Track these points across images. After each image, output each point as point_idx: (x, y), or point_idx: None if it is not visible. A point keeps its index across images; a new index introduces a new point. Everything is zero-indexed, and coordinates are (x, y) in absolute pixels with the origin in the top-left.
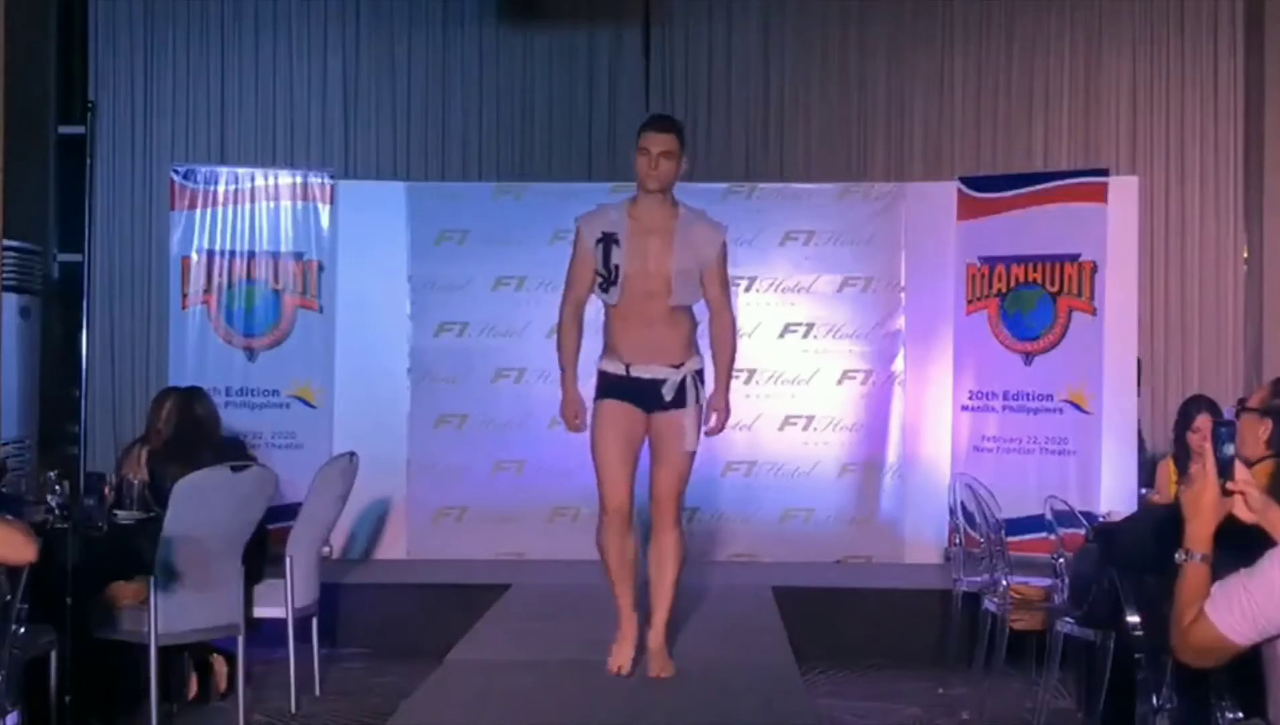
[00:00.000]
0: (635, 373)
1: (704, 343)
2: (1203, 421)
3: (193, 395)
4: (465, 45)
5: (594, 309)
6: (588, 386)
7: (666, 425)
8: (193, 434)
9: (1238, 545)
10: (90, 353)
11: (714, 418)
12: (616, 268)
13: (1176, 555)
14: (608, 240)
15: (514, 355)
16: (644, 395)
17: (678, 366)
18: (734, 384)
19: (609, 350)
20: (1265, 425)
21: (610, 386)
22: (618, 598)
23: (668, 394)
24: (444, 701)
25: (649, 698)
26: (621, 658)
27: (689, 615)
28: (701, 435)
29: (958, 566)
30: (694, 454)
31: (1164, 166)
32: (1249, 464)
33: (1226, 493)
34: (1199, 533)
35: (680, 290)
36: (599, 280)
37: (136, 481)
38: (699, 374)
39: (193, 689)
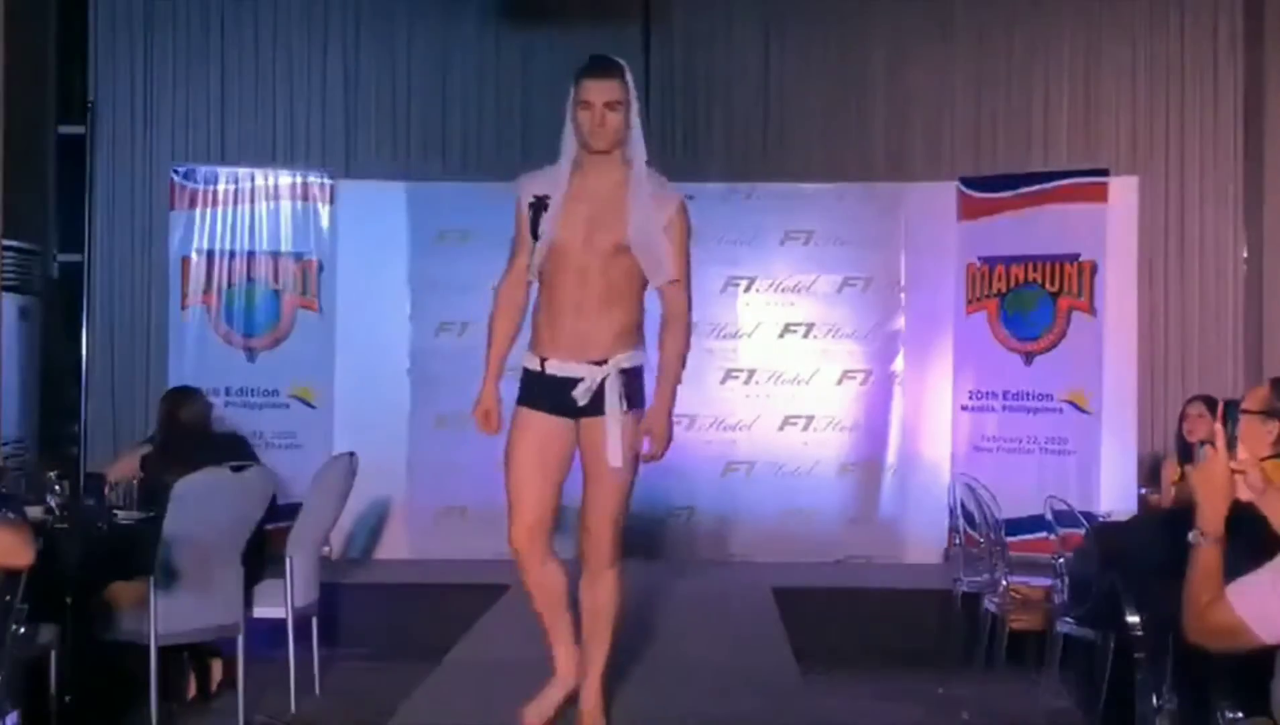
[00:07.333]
0: (551, 370)
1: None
2: (1193, 408)
3: (178, 399)
4: (465, 45)
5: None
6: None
7: (589, 435)
8: (180, 438)
9: (1247, 536)
10: (90, 353)
11: (647, 440)
12: (543, 238)
13: (1190, 535)
14: (540, 204)
15: (514, 355)
16: (561, 397)
17: (600, 362)
18: (733, 384)
19: (532, 341)
20: (1272, 426)
21: (527, 386)
22: (546, 632)
23: (581, 397)
24: (444, 701)
25: (648, 698)
26: (543, 706)
27: (688, 615)
28: (639, 455)
29: (958, 566)
30: (629, 474)
31: (1164, 166)
32: None
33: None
34: (1211, 513)
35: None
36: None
37: (134, 482)
38: (633, 373)
39: (192, 689)
